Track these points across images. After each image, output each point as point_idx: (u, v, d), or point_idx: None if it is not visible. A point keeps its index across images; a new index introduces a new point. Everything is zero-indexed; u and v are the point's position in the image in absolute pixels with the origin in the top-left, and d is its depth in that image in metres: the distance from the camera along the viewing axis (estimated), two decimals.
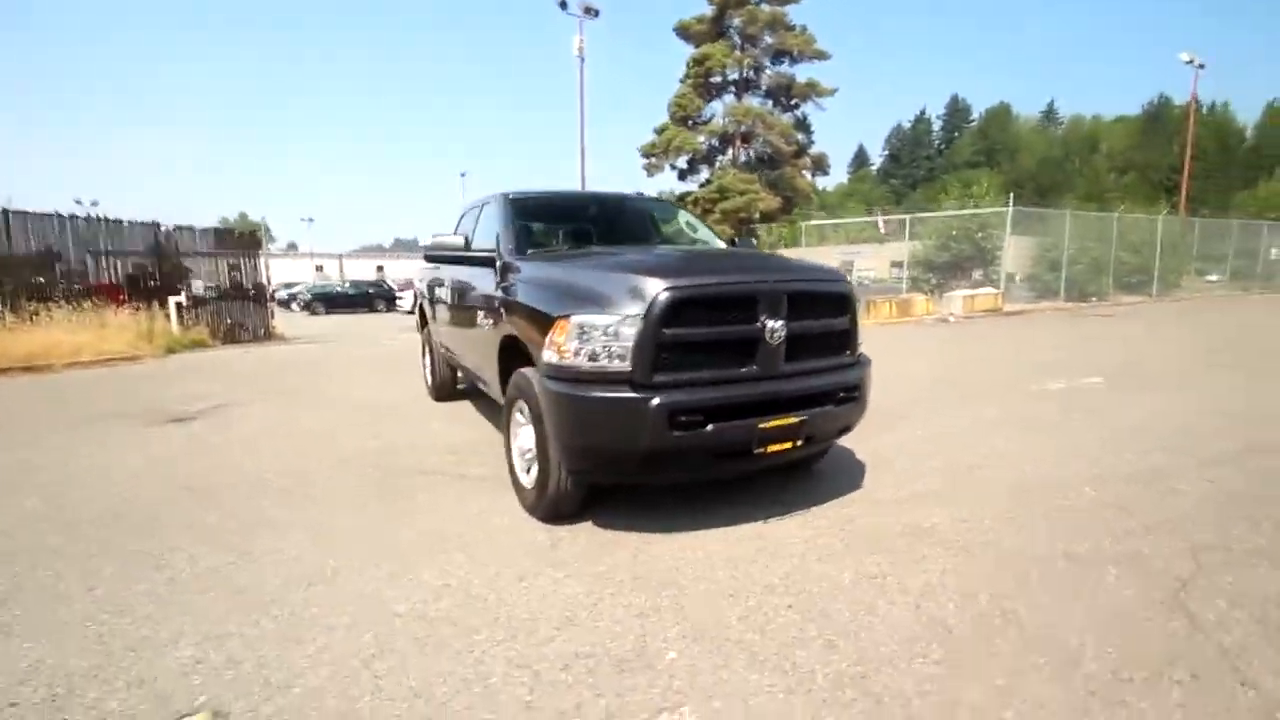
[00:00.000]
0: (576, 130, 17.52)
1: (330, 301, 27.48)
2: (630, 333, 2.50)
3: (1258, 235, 23.94)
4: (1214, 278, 24.41)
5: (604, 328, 2.53)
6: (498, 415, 5.27)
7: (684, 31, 25.47)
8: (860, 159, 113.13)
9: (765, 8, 23.45)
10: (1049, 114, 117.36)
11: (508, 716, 1.72)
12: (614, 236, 4.22)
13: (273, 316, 13.68)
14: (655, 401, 2.49)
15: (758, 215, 23.14)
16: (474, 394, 6.24)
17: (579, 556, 2.69)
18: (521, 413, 3.15)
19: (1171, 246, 20.94)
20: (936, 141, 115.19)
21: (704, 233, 4.43)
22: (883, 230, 23.38)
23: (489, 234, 4.21)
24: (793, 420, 2.72)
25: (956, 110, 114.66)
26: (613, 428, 2.55)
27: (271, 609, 2.30)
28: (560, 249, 3.67)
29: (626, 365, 2.52)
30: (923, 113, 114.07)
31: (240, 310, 12.90)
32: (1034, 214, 19.17)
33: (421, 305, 6.35)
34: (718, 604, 2.29)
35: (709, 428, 2.56)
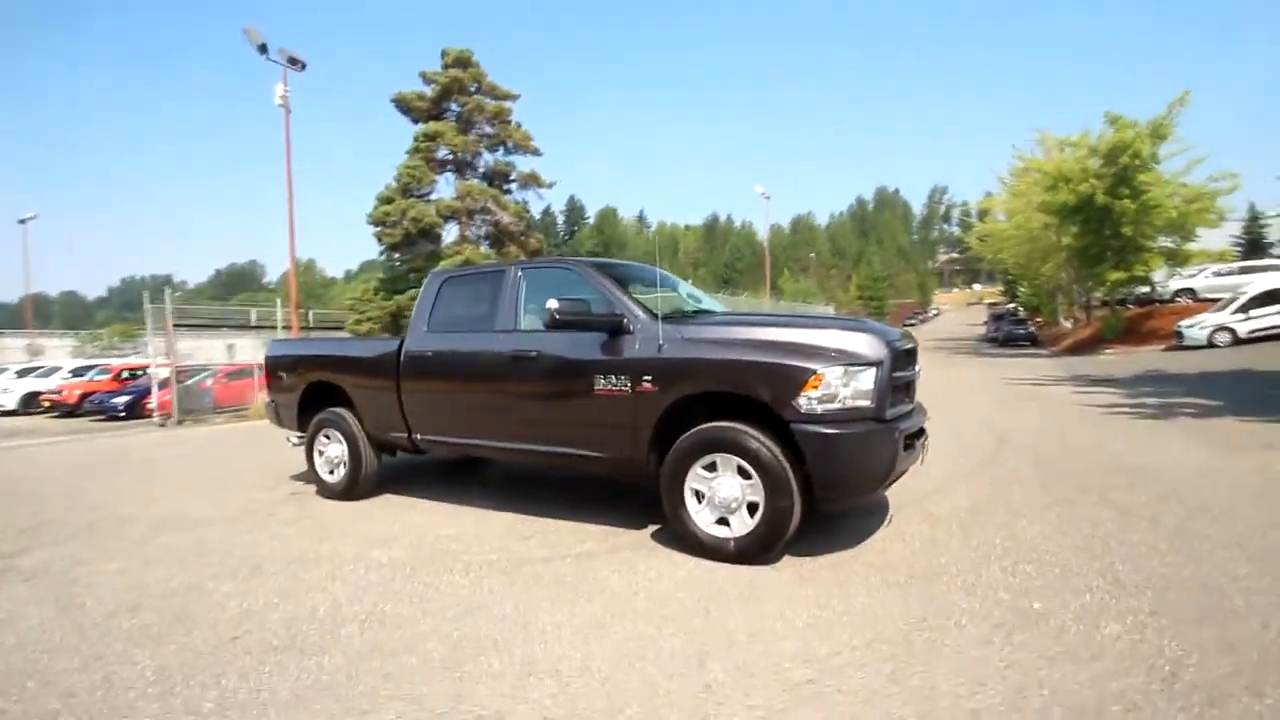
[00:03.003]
0: (284, 189, 15.19)
1: None
2: (873, 379, 3.12)
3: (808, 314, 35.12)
4: None
5: (859, 376, 3.08)
6: (472, 494, 4.85)
7: (403, 104, 24.58)
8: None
9: (489, 101, 24.67)
10: (641, 219, 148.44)
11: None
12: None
13: None
14: (897, 431, 3.15)
15: None
16: (401, 482, 5.36)
17: (845, 577, 3.06)
18: (710, 468, 3.32)
19: None
20: (561, 233, 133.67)
21: (709, 302, 5.07)
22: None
23: (541, 307, 4.11)
24: (925, 440, 3.68)
25: (574, 208, 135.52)
26: (877, 455, 3.09)
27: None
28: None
29: (870, 404, 3.11)
30: (548, 208, 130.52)
31: None
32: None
33: (311, 388, 5.16)
34: (986, 572, 3.03)
35: (915, 447, 3.32)
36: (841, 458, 3.04)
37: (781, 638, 2.49)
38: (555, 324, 3.52)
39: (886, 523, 3.89)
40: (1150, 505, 4.04)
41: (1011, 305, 53.00)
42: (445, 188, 24.07)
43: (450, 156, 23.62)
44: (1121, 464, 5.24)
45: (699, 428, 3.33)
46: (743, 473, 3.23)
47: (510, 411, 4.07)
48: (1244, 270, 21.68)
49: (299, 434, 5.42)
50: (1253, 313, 16.41)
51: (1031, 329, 31.62)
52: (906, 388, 3.55)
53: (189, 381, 14.48)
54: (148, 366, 18.23)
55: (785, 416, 3.10)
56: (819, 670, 2.23)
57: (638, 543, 3.71)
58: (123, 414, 15.71)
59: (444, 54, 24.71)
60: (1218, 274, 21.82)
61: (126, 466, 7.64)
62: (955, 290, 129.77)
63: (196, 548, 3.99)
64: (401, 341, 4.63)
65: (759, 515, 3.19)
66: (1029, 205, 24.00)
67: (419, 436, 4.54)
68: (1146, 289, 23.90)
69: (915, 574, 3.06)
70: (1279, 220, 38.05)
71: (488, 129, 24.31)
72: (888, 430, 3.12)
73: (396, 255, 23.78)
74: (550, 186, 26.03)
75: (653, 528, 3.94)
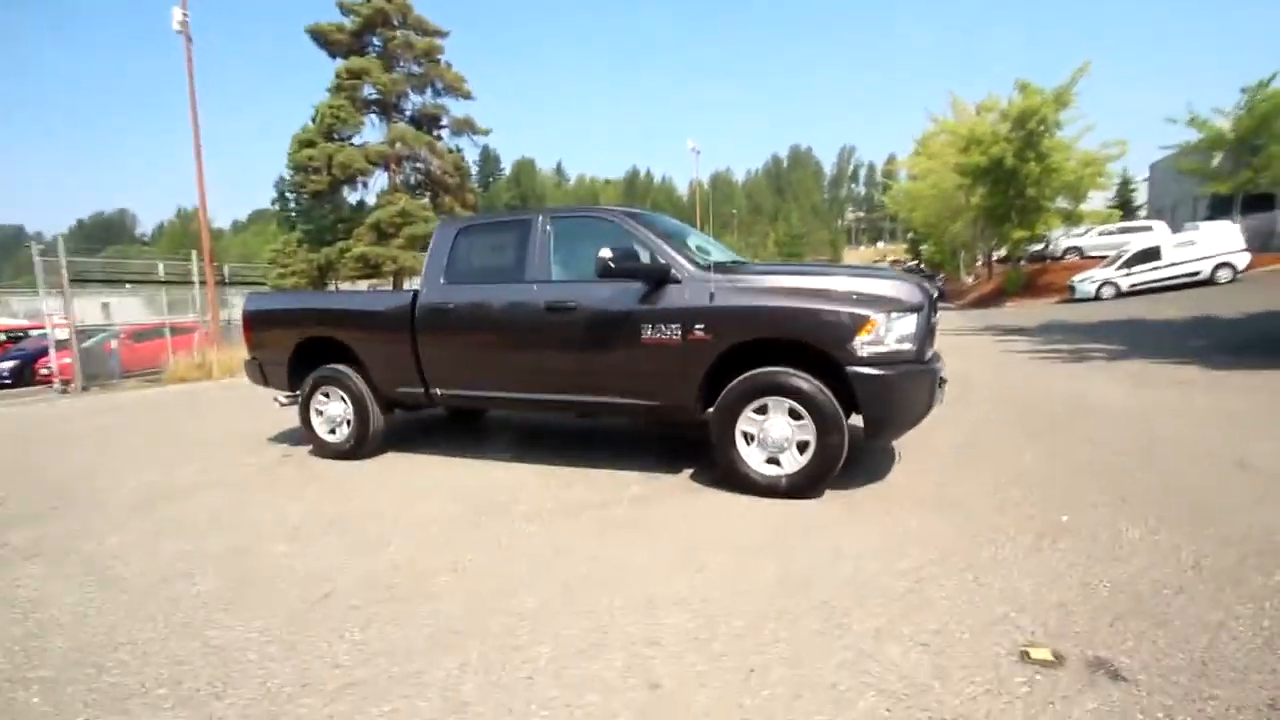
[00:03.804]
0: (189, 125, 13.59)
1: None
2: (916, 325, 3.37)
3: None
4: None
5: (904, 320, 3.32)
6: (479, 448, 4.84)
7: (321, 37, 21.79)
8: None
9: (418, 38, 22.60)
10: (559, 171, 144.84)
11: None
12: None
13: None
14: (934, 372, 3.44)
15: None
16: (396, 441, 5.22)
17: (888, 506, 3.35)
18: (760, 411, 3.50)
19: None
20: (475, 183, 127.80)
21: (717, 250, 5.14)
22: None
23: (573, 256, 4.12)
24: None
25: (489, 159, 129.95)
26: (924, 394, 3.37)
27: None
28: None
29: (913, 348, 3.37)
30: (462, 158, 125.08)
31: None
32: None
33: (304, 344, 4.87)
34: (1007, 495, 3.41)
35: (942, 388, 3.64)
36: (891, 398, 3.31)
37: (862, 558, 2.74)
38: (608, 273, 3.52)
39: (898, 459, 4.25)
40: (1111, 434, 4.62)
41: (915, 262, 56.46)
42: (370, 131, 22.43)
43: (377, 96, 21.82)
44: (1068, 400, 5.91)
45: (753, 372, 3.48)
46: (793, 414, 3.43)
47: (546, 363, 4.05)
48: (1123, 230, 24.23)
49: (288, 393, 5.13)
50: (1134, 269, 18.48)
51: (940, 284, 33.96)
52: (932, 332, 3.85)
53: (88, 344, 13.08)
54: (31, 328, 16.25)
55: (839, 360, 3.30)
56: (913, 581, 2.49)
57: (680, 486, 3.86)
58: (8, 380, 14.03)
59: None
60: (1102, 233, 24.29)
61: (55, 438, 6.92)
62: (862, 247, 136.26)
63: (211, 515, 3.77)
64: (415, 293, 4.45)
65: (810, 453, 3.41)
66: (944, 166, 25.46)
67: (438, 391, 4.43)
68: (1040, 246, 26.22)
69: (947, 500, 3.41)
70: (1145, 184, 42.47)
71: (415, 68, 22.51)
72: (927, 371, 3.41)
73: (315, 203, 21.93)
74: (486, 133, 24.83)
75: (688, 471, 4.10)
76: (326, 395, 4.82)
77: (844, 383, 3.35)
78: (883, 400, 3.30)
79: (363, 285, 19.66)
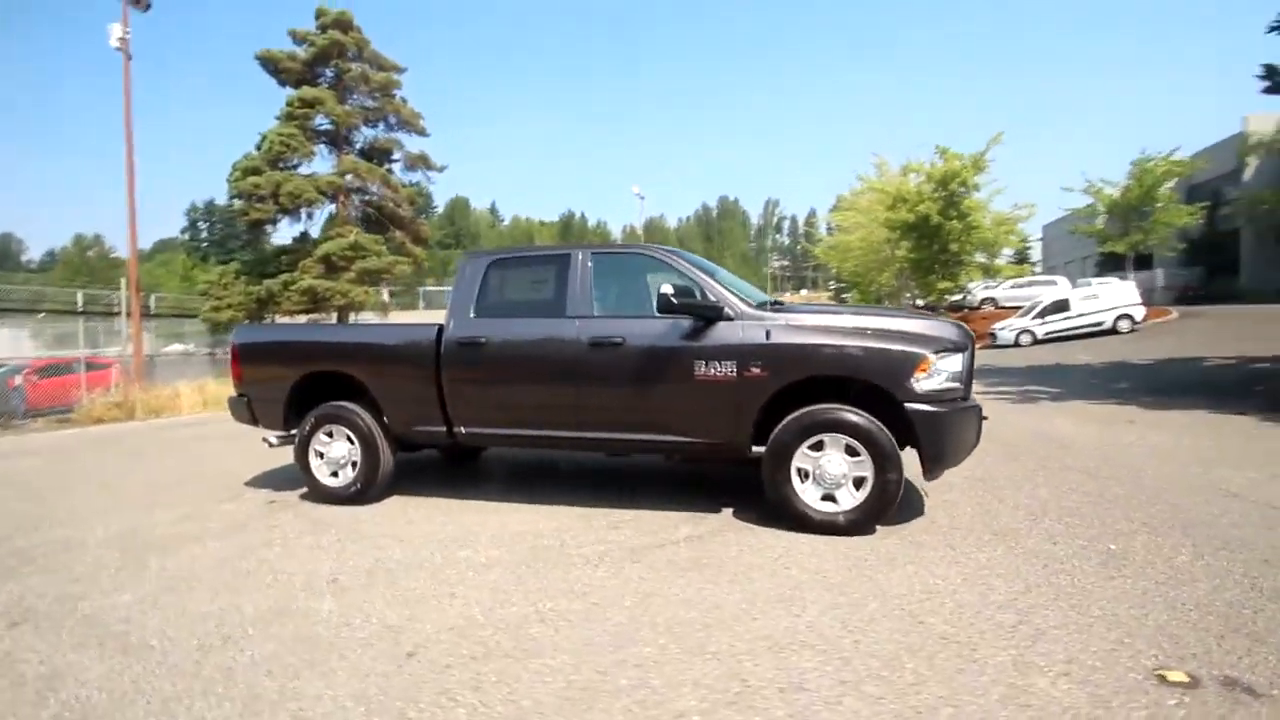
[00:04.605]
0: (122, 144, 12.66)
1: None
2: (962, 363, 3.54)
3: None
4: None
5: (953, 359, 3.48)
6: (492, 490, 4.71)
7: (271, 64, 20.92)
8: None
9: (374, 72, 22.08)
10: (493, 211, 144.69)
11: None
12: None
13: None
14: (979, 409, 3.60)
15: (394, 278, 21.90)
16: (402, 484, 4.90)
17: (946, 540, 3.43)
18: (815, 447, 3.53)
19: None
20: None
21: (743, 288, 5.21)
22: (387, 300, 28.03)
23: (614, 292, 4.15)
24: None
25: (421, 195, 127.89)
26: (970, 430, 3.50)
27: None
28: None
29: (959, 386, 3.53)
30: (416, 192, 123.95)
31: None
32: None
33: (304, 380, 4.53)
34: (1047, 526, 3.57)
35: (982, 424, 3.81)
36: (948, 433, 3.43)
37: (955, 593, 2.77)
38: (669, 309, 3.51)
39: (925, 494, 4.37)
40: (1099, 468, 4.95)
41: None
42: (317, 162, 21.66)
43: (329, 127, 21.16)
44: (1041, 437, 6.30)
45: (810, 409, 3.52)
46: (849, 450, 3.49)
47: (587, 399, 3.94)
48: (1031, 284, 26.62)
49: (281, 433, 4.73)
50: (1048, 318, 20.28)
51: None
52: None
53: None
54: None
55: (898, 397, 3.40)
56: (1017, 614, 2.54)
57: (727, 524, 3.81)
58: None
59: (319, 13, 22.12)
60: (1015, 286, 26.58)
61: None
62: (788, 294, 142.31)
63: (219, 569, 3.38)
64: (440, 326, 4.25)
65: (867, 489, 3.46)
66: (872, 221, 27.28)
67: (463, 429, 4.21)
68: (959, 297, 28.32)
69: (998, 532, 3.53)
70: (1039, 243, 47.27)
71: (368, 101, 22.15)
72: (974, 408, 3.57)
73: (250, 233, 20.80)
74: (441, 170, 24.53)
75: (728, 509, 4.06)
76: (329, 435, 4.48)
77: (896, 420, 3.45)
78: (940, 436, 3.42)
79: (301, 319, 18.65)
